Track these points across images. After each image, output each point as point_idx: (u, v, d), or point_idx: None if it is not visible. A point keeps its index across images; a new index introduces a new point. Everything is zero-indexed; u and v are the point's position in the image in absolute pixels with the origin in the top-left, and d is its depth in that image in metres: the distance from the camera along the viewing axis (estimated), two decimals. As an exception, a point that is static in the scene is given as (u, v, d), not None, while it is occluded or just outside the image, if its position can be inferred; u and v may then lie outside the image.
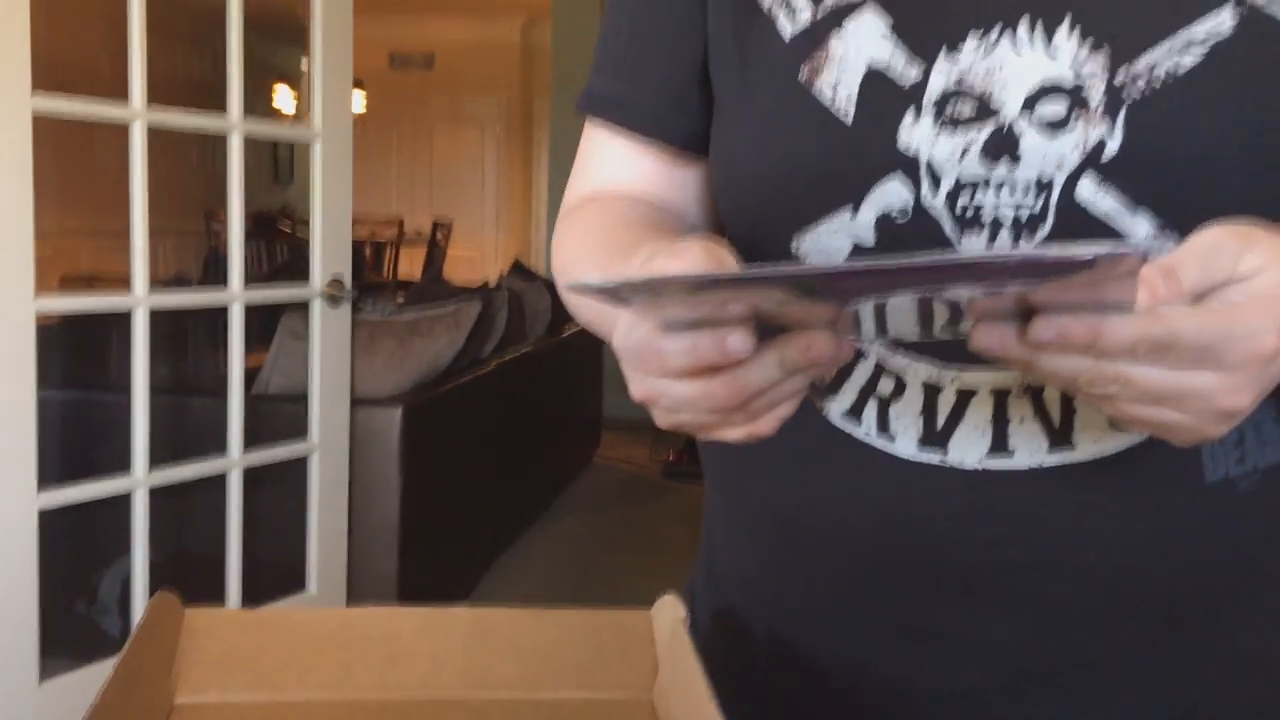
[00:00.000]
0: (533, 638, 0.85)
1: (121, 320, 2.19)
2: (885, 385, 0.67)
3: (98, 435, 2.65)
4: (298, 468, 2.59)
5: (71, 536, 2.50)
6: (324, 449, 2.61)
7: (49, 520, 2.10)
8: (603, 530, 4.21)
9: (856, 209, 0.64)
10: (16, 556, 2.01)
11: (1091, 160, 0.59)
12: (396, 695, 0.79)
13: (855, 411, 0.69)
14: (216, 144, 2.33)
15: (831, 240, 0.65)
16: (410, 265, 8.08)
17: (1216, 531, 0.63)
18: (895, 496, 0.68)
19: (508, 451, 3.77)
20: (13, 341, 1.96)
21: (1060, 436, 0.64)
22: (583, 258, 0.73)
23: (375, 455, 2.78)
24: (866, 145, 0.63)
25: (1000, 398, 0.64)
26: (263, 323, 3.03)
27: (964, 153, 0.61)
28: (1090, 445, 0.63)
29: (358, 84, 8.83)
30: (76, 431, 2.74)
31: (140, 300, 2.17)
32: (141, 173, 2.13)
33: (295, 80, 8.28)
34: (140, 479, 2.23)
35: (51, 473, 2.13)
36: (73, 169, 4.91)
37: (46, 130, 1.97)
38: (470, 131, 9.32)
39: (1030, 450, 0.64)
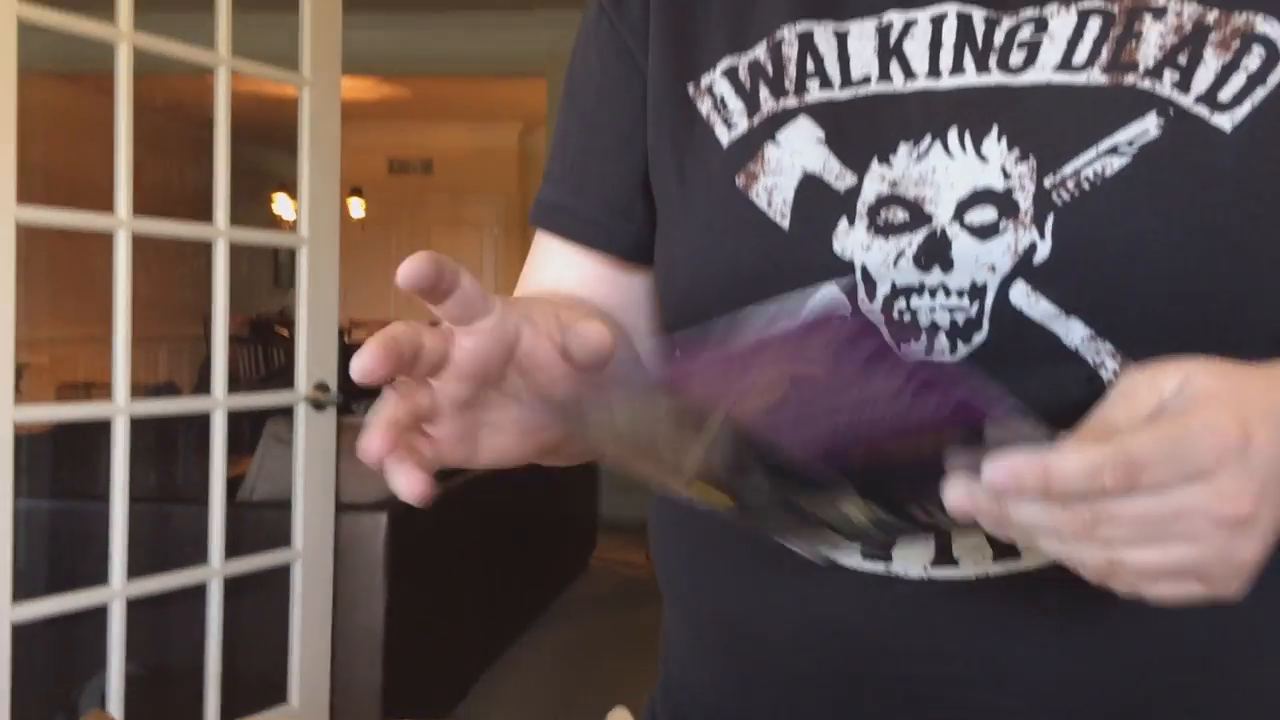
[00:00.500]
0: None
1: (105, 428, 2.17)
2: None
3: (79, 546, 2.62)
4: (280, 576, 2.55)
5: (51, 650, 2.45)
6: (307, 556, 2.57)
7: (25, 634, 2.06)
8: (599, 636, 4.13)
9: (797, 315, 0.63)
10: (-13, 671, 1.97)
11: (1023, 265, 0.59)
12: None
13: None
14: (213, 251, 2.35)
15: None
16: (408, 368, 8.07)
17: (1165, 636, 0.61)
18: (841, 607, 0.66)
19: (499, 556, 3.72)
20: (-11, 451, 1.95)
21: (1005, 546, 0.62)
22: None
23: (360, 562, 2.75)
24: (803, 251, 0.63)
25: (943, 537, 0.63)
26: (254, 428, 3.02)
27: (898, 258, 0.61)
28: (1035, 554, 0.62)
29: (356, 191, 8.99)
30: (58, 542, 2.71)
31: (121, 409, 2.17)
32: (125, 281, 2.14)
33: (294, 188, 8.39)
34: (118, 590, 2.20)
35: (30, 584, 2.10)
36: (70, 277, 4.95)
37: (45, 239, 1.98)
38: (469, 232, 9.42)
39: (974, 560, 0.63)
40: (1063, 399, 0.60)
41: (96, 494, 2.27)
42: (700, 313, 0.68)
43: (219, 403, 2.35)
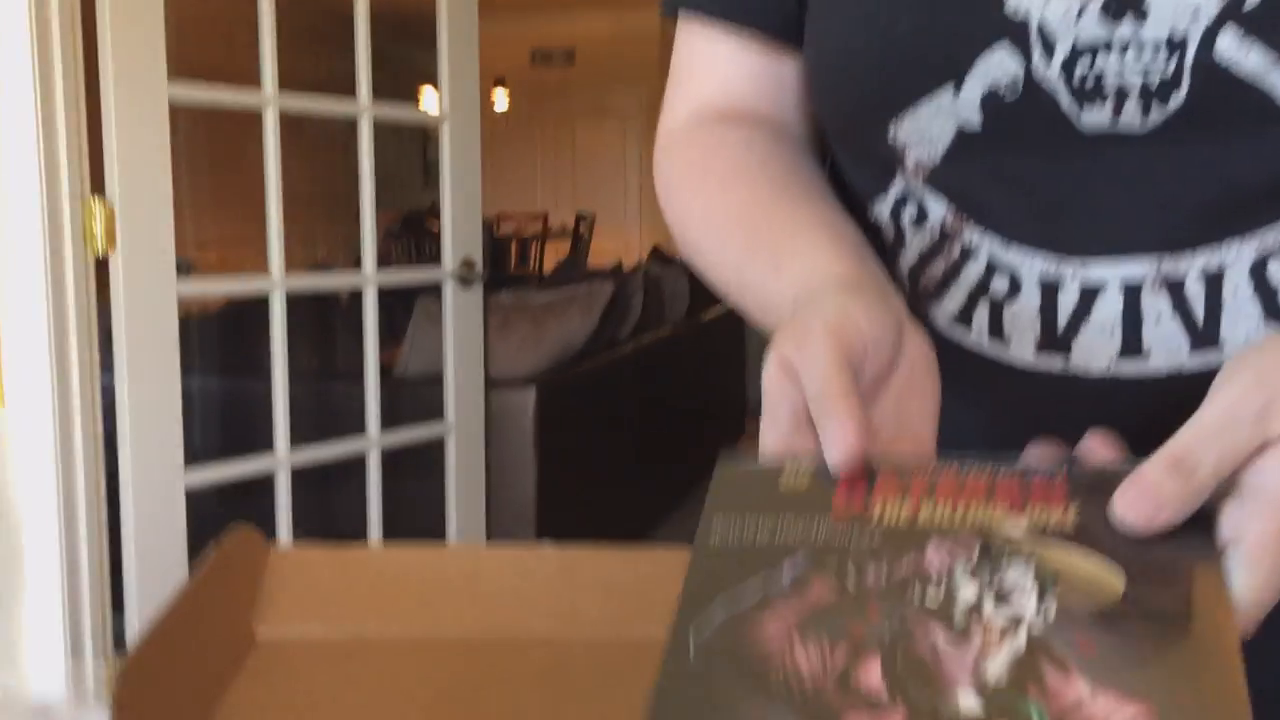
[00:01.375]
0: (622, 576, 0.81)
1: (267, 311, 2.24)
2: (998, 284, 0.60)
3: (246, 422, 2.73)
4: (436, 450, 2.62)
5: (221, 522, 2.58)
6: (459, 430, 2.62)
7: (198, 503, 2.16)
8: (747, 515, 4.13)
9: (959, 86, 0.57)
10: (168, 530, 2.08)
11: (1233, 8, 0.51)
12: (480, 634, 0.75)
13: (964, 315, 0.62)
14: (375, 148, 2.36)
15: (933, 124, 0.59)
16: (556, 259, 8.17)
17: None
18: (1012, 409, 0.61)
19: (647, 436, 3.75)
20: (157, 322, 2.02)
21: (1205, 335, 0.56)
22: (706, 241, 0.68)
23: (511, 437, 2.79)
24: (968, 10, 0.57)
25: (1132, 293, 0.57)
26: (407, 313, 3.07)
27: (1081, 10, 0.54)
28: (1240, 344, 0.55)
29: (500, 81, 9.01)
30: (227, 417, 2.83)
31: (277, 284, 2.22)
32: (275, 158, 2.18)
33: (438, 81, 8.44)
34: (282, 458, 2.28)
35: (202, 456, 2.20)
36: (233, 179, 5.10)
37: (203, 138, 2.02)
38: (612, 124, 9.35)
39: (1168, 352, 0.57)
40: (1270, 171, 0.53)
41: (261, 372, 2.35)
42: (851, 88, 0.62)
43: (369, 278, 2.39)
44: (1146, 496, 0.43)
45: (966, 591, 0.43)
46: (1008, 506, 0.46)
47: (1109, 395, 0.58)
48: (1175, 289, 0.56)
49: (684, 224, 0.69)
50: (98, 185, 1.93)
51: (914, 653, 0.41)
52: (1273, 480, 0.42)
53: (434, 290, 2.64)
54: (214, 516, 2.65)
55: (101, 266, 1.97)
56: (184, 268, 2.75)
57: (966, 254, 0.61)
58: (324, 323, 3.28)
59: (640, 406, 3.62)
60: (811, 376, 0.48)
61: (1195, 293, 0.55)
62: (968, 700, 0.39)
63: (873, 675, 0.41)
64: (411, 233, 7.37)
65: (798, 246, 0.58)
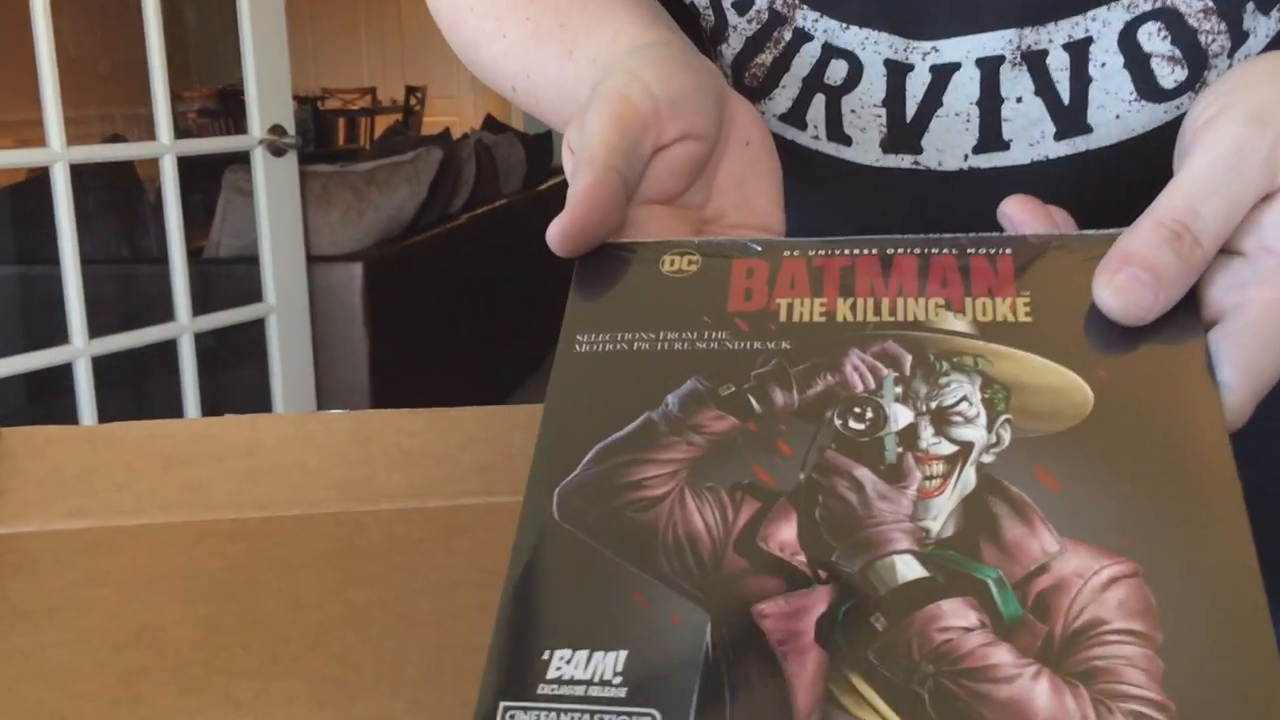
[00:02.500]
0: (422, 440, 0.72)
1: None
2: (836, 70, 0.52)
3: (41, 311, 2.51)
4: (259, 335, 2.46)
5: (23, 418, 2.38)
6: (282, 310, 2.46)
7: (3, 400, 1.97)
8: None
9: None
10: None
11: None
12: (258, 513, 0.65)
13: (798, 113, 0.54)
14: (171, 13, 2.12)
15: None
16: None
17: None
18: (856, 218, 0.53)
19: (484, 313, 3.63)
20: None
21: (1071, 117, 0.49)
22: (484, 35, 0.56)
23: (338, 316, 2.64)
24: None
25: (989, 72, 0.49)
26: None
27: None
28: (1112, 125, 0.48)
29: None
30: (11, 309, 2.60)
31: (58, 155, 2.01)
32: (44, 11, 1.94)
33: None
34: (80, 348, 2.10)
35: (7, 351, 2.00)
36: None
37: None
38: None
39: (1030, 140, 0.49)
40: None
41: (50, 257, 2.14)
42: None
43: (167, 147, 2.19)
44: (1143, 276, 0.34)
45: (898, 417, 0.35)
46: (943, 300, 0.37)
47: (966, 190, 0.51)
48: (1037, 64, 0.48)
49: (454, 20, 0.58)
50: None
51: (836, 504, 0.33)
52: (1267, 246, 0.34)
53: (244, 163, 2.45)
54: (21, 415, 2.46)
55: None
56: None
57: (800, 38, 0.52)
58: (132, 209, 3.03)
59: (478, 281, 3.49)
60: (578, 149, 0.39)
61: (1059, 66, 0.48)
62: (906, 567, 0.32)
63: (785, 536, 0.33)
64: (229, 111, 6.95)
65: (592, 23, 0.48)
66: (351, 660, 0.52)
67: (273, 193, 2.41)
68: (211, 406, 2.36)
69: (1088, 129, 0.49)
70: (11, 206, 2.75)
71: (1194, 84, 0.47)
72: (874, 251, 0.39)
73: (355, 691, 0.50)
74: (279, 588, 0.58)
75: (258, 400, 2.51)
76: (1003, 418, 0.34)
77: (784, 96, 0.54)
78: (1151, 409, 0.34)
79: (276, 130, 2.39)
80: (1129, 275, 0.34)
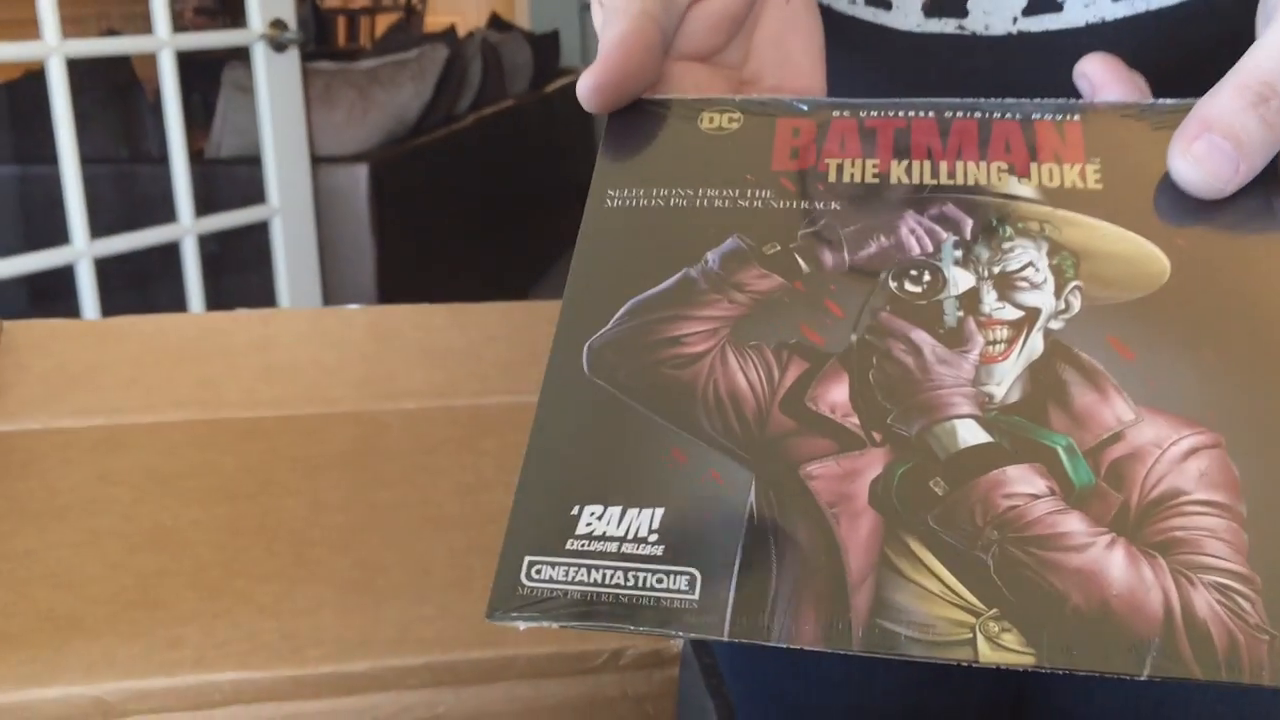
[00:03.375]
0: (447, 339, 0.68)
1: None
2: None
3: (42, 211, 2.47)
4: (262, 238, 2.41)
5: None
6: (286, 212, 2.41)
7: (5, 304, 1.94)
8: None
9: None
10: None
11: None
12: (274, 411, 0.62)
13: None
14: None
15: None
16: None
17: None
18: (897, 89, 0.50)
19: (492, 217, 3.57)
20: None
21: None
22: None
23: (344, 217, 2.59)
24: None
25: None
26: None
27: None
28: None
29: None
30: (9, 210, 2.56)
31: (53, 49, 1.94)
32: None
33: None
34: (82, 249, 2.06)
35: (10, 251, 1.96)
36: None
37: None
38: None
39: (1085, 3, 0.45)
40: None
41: (48, 157, 2.08)
42: None
43: (164, 42, 2.12)
44: (1223, 144, 0.31)
45: (959, 281, 0.33)
46: (1007, 164, 0.35)
47: (1014, 57, 0.47)
48: None
49: None
50: None
51: (892, 367, 0.31)
52: None
53: (245, 60, 2.38)
54: (24, 318, 2.43)
55: None
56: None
57: None
58: (131, 108, 2.96)
59: (485, 182, 3.43)
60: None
61: None
62: (969, 431, 0.30)
63: (836, 398, 0.31)
64: (229, 10, 6.79)
65: None
66: (377, 564, 0.50)
67: (274, 91, 2.35)
68: (216, 309, 2.33)
69: None
70: (7, 104, 2.68)
71: None
72: (930, 114, 0.37)
73: (382, 596, 0.47)
74: (299, 488, 0.55)
75: (263, 304, 2.48)
76: (1072, 284, 0.32)
77: None
78: (1234, 278, 0.31)
79: (278, 25, 2.32)
80: (1208, 143, 0.31)
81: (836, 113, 0.38)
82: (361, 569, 0.50)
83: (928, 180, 0.35)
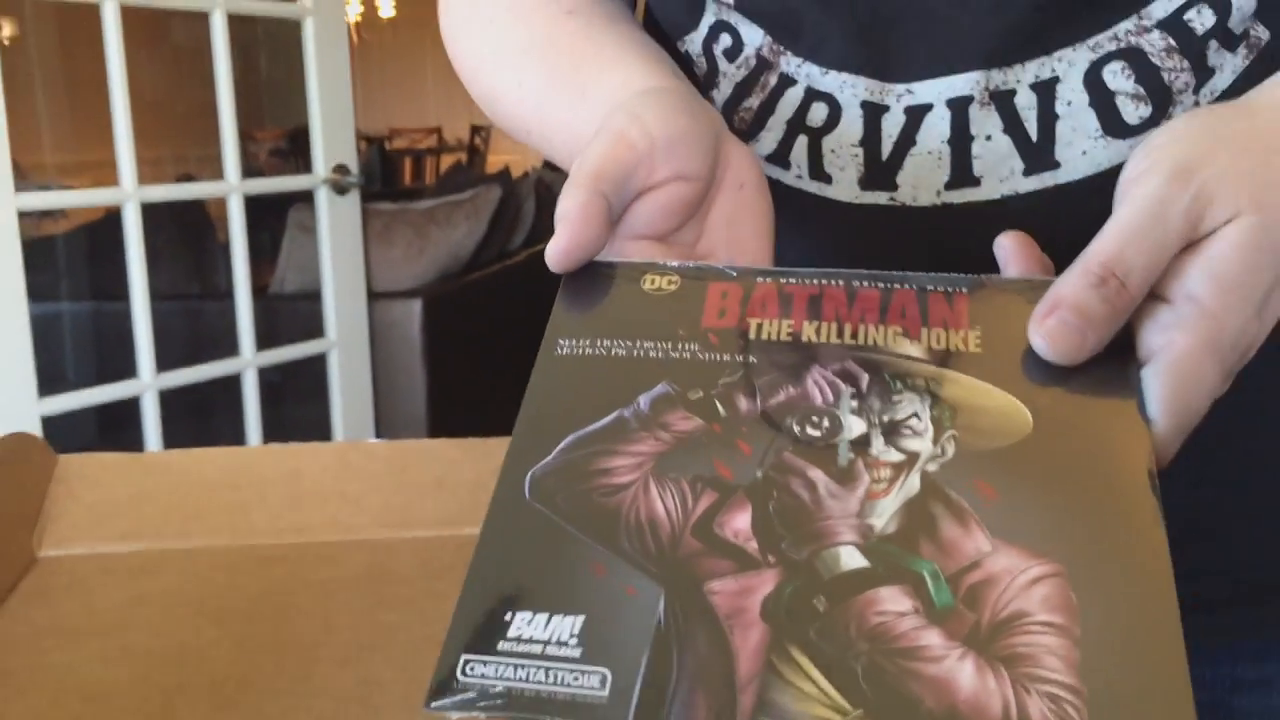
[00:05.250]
0: (459, 470, 0.73)
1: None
2: (817, 113, 0.54)
3: (109, 345, 2.59)
4: (320, 370, 2.51)
5: (89, 447, 2.45)
6: (342, 345, 2.51)
7: (72, 434, 2.03)
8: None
9: None
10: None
11: None
12: (297, 538, 0.68)
13: (782, 153, 0.56)
14: (245, 58, 2.19)
15: None
16: (452, 176, 7.95)
17: None
18: (838, 252, 0.55)
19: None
20: (-5, 241, 1.88)
21: (1039, 154, 0.50)
22: (501, 80, 0.59)
23: (398, 350, 2.69)
24: None
25: (959, 112, 0.51)
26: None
27: None
28: (1079, 161, 0.50)
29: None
30: (86, 343, 2.68)
31: (129, 195, 2.08)
32: (119, 57, 2.02)
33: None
34: (148, 382, 2.16)
35: (58, 384, 2.07)
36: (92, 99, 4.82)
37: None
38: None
39: (1000, 178, 0.51)
40: None
41: (122, 294, 2.21)
42: None
43: (234, 187, 2.25)
44: (1071, 320, 0.36)
45: (852, 427, 0.37)
46: (901, 329, 0.40)
47: (940, 224, 0.52)
48: (1005, 103, 0.50)
49: (474, 69, 0.61)
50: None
51: (789, 499, 0.36)
52: (1201, 287, 0.36)
53: (309, 202, 2.51)
54: (91, 448, 2.53)
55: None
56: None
57: (784, 83, 0.54)
58: (202, 247, 3.12)
59: (535, 316, 3.52)
60: (571, 173, 0.41)
61: (1027, 106, 0.49)
62: (850, 557, 0.34)
63: (739, 525, 0.35)
64: (301, 150, 7.11)
65: (604, 68, 0.51)
66: (378, 679, 0.54)
67: (335, 230, 2.47)
68: (273, 439, 2.41)
69: (1056, 165, 0.50)
70: (87, 244, 2.84)
71: (1159, 119, 0.49)
72: (840, 284, 0.42)
73: (380, 708, 0.51)
74: (312, 610, 0.60)
75: (318, 433, 2.56)
76: (949, 433, 0.36)
77: (770, 139, 0.56)
78: (1085, 435, 0.36)
79: (340, 169, 2.45)
80: (1058, 319, 0.36)
81: (760, 279, 0.43)
82: (363, 685, 0.54)
83: (833, 340, 0.40)
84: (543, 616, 0.33)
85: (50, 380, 2.06)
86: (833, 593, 0.33)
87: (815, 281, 0.42)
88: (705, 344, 0.41)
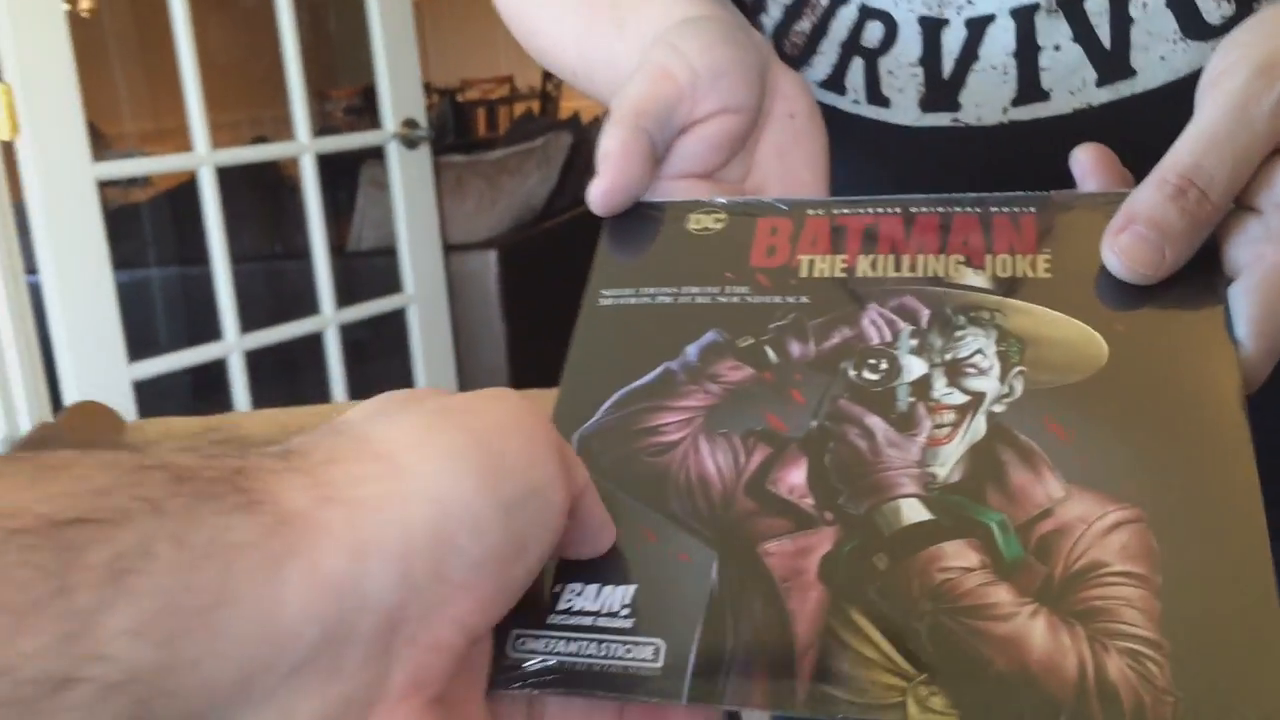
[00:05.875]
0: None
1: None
2: (872, 33, 0.51)
3: (201, 311, 2.64)
4: (399, 326, 2.53)
5: (180, 411, 2.51)
6: (420, 299, 2.53)
7: (164, 398, 2.08)
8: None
9: None
10: (118, 428, 2.00)
11: None
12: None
13: (837, 78, 0.53)
14: (314, 17, 2.19)
15: None
16: (526, 125, 7.94)
17: None
18: (899, 180, 0.52)
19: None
20: (79, 210, 1.91)
21: (1113, 62, 0.47)
22: (542, 17, 0.57)
23: (476, 302, 2.70)
24: None
25: (1025, 20, 0.47)
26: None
27: None
28: (1157, 68, 0.46)
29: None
30: (181, 309, 2.74)
31: (203, 159, 2.10)
32: (186, 25, 2.03)
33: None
34: (233, 344, 2.20)
35: (146, 349, 2.12)
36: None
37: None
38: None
39: (1071, 87, 0.47)
40: None
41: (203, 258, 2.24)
42: None
43: (305, 147, 2.27)
44: (1148, 234, 0.33)
45: (912, 369, 0.35)
46: (963, 257, 0.37)
47: (1007, 145, 0.49)
48: (1074, 9, 0.46)
49: (517, 11, 0.59)
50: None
51: (846, 450, 0.34)
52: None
53: (380, 158, 2.52)
54: (187, 411, 2.59)
55: (12, 156, 1.85)
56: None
57: (836, 2, 0.52)
58: (277, 206, 3.16)
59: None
60: (612, 111, 0.39)
61: (1098, 10, 0.46)
62: (911, 510, 0.32)
63: (794, 480, 0.33)
64: (373, 107, 7.17)
65: (640, 1, 0.49)
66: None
67: (408, 185, 2.48)
68: (359, 396, 2.44)
69: (1131, 73, 0.46)
70: (170, 209, 2.89)
71: (1243, 16, 0.45)
72: (897, 210, 0.39)
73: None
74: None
75: (401, 388, 2.58)
76: (1016, 369, 0.34)
77: (823, 63, 0.53)
78: (1167, 363, 0.33)
79: (409, 124, 2.45)
80: (1133, 235, 0.33)
81: (812, 211, 0.40)
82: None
83: (890, 273, 0.38)
84: (593, 588, 0.32)
85: (143, 345, 2.11)
86: (894, 549, 0.31)
87: (870, 211, 0.40)
88: (754, 286, 0.39)
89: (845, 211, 0.40)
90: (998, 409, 0.33)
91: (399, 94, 2.45)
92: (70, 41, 1.88)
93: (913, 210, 0.39)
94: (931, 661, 0.28)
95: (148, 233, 2.91)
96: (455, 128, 6.76)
